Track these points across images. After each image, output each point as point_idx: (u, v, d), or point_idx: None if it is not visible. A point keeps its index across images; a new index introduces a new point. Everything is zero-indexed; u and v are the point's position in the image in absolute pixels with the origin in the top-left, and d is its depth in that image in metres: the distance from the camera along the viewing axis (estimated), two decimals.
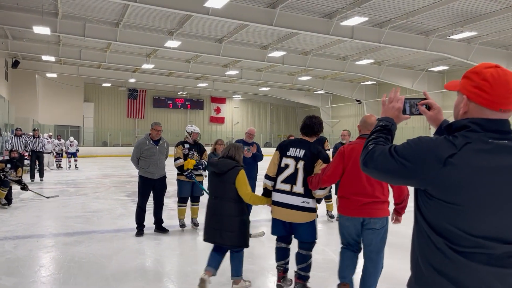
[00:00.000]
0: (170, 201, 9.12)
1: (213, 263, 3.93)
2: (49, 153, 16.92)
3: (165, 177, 6.37)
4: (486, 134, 1.34)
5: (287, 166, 3.75)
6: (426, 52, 18.15)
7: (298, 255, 3.86)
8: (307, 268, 3.83)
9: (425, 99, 1.63)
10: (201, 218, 6.67)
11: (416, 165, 1.37)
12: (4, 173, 8.57)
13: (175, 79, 31.23)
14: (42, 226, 7.03)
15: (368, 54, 21.49)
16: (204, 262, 4.92)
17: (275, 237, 4.09)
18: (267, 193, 3.91)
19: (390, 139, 1.59)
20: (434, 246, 1.38)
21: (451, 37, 16.89)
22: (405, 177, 1.42)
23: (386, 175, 1.48)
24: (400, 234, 5.46)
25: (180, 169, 6.32)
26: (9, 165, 8.69)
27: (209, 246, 5.64)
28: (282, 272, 3.97)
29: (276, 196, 3.78)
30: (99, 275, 4.47)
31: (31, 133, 14.05)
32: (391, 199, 3.58)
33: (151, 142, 6.18)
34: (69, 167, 18.41)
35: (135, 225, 6.20)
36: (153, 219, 6.35)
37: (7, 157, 9.69)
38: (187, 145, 6.48)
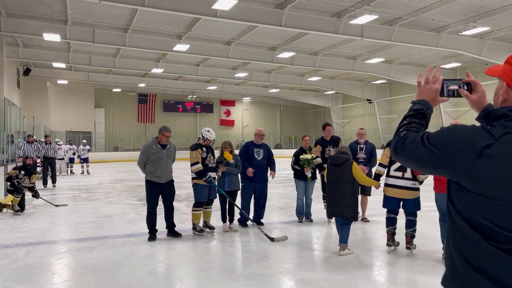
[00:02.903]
0: (182, 204, 9.05)
1: (344, 239, 5.15)
2: (61, 159, 17.03)
3: (172, 181, 6.27)
4: None
5: None
6: (438, 49, 17.85)
7: (408, 221, 5.14)
8: (415, 229, 5.14)
9: (466, 83, 1.49)
10: (213, 221, 6.62)
11: (448, 155, 1.28)
12: (18, 179, 8.58)
13: (184, 82, 31.28)
14: (55, 232, 7.00)
15: (378, 52, 21.25)
16: (218, 266, 4.86)
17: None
18: (377, 177, 5.38)
19: (425, 124, 1.49)
20: (469, 240, 1.28)
21: (463, 33, 16.60)
22: (436, 167, 1.33)
23: (417, 164, 1.40)
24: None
25: (199, 174, 6.18)
26: (22, 172, 8.70)
27: (222, 250, 5.56)
28: (391, 234, 5.23)
29: (391, 180, 5.15)
30: (111, 281, 4.39)
31: (43, 140, 14.13)
32: None
33: (158, 145, 6.09)
34: (82, 173, 18.54)
35: (147, 230, 6.13)
36: (165, 224, 6.27)
37: (20, 164, 9.72)
38: (204, 148, 6.36)
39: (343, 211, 5.11)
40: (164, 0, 13.15)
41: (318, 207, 7.51)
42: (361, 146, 7.04)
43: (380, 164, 5.36)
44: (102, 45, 17.88)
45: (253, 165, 6.65)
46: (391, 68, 24.27)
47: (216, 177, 6.43)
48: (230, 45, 19.76)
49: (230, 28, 17.17)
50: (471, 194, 1.26)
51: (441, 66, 23.84)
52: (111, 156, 30.22)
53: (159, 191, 6.10)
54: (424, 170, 1.44)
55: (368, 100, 31.84)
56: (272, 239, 5.81)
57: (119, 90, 33.52)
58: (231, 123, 39.62)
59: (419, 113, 1.48)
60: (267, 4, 14.42)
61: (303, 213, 7.09)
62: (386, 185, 5.18)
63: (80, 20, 15.95)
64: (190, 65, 25.19)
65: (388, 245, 5.23)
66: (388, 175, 5.21)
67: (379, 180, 5.34)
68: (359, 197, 6.97)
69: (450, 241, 1.36)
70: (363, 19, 14.39)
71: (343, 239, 5.16)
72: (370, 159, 7.02)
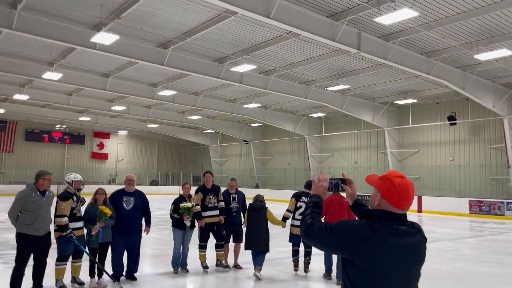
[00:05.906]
0: None
1: (259, 263, 6.68)
2: None
3: (50, 232, 5.53)
4: (392, 222, 1.89)
5: (300, 206, 6.77)
6: (307, 100, 19.76)
7: (306, 252, 6.83)
8: (311, 257, 6.82)
9: (343, 179, 2.20)
10: (84, 276, 5.99)
11: (345, 241, 1.88)
12: None
13: (52, 111, 28.73)
14: None
15: (255, 98, 22.60)
16: None
17: None
18: (284, 219, 6.98)
19: (321, 212, 2.09)
20: None
21: (328, 88, 18.75)
22: (337, 248, 1.96)
23: (323, 246, 1.99)
24: None
25: (62, 228, 5.62)
26: None
27: None
28: (296, 262, 6.94)
29: (296, 222, 6.74)
30: None
31: None
32: None
33: (38, 192, 5.38)
34: None
35: None
36: (31, 283, 5.40)
37: None
38: (74, 198, 5.83)
39: (258, 245, 6.70)
40: (37, 25, 12.18)
41: (193, 256, 7.42)
42: (233, 195, 7.35)
43: (288, 210, 6.95)
44: None
45: (120, 215, 6.19)
46: (267, 113, 25.94)
47: (93, 233, 5.91)
48: (108, 77, 18.98)
49: (109, 60, 16.54)
50: (360, 269, 1.85)
51: (309, 115, 26.32)
52: None
53: (34, 245, 5.30)
54: (327, 250, 2.05)
55: (245, 141, 33.23)
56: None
57: None
58: (104, 157, 37.29)
59: (316, 205, 2.09)
60: (150, 42, 14.37)
61: (179, 263, 6.95)
62: (292, 225, 6.85)
63: None
64: (61, 94, 23.33)
65: (295, 270, 6.92)
66: (293, 218, 6.83)
67: (285, 221, 6.97)
68: (233, 244, 7.20)
69: None
70: (243, 67, 15.27)
71: (259, 263, 6.68)
72: (242, 207, 7.39)
